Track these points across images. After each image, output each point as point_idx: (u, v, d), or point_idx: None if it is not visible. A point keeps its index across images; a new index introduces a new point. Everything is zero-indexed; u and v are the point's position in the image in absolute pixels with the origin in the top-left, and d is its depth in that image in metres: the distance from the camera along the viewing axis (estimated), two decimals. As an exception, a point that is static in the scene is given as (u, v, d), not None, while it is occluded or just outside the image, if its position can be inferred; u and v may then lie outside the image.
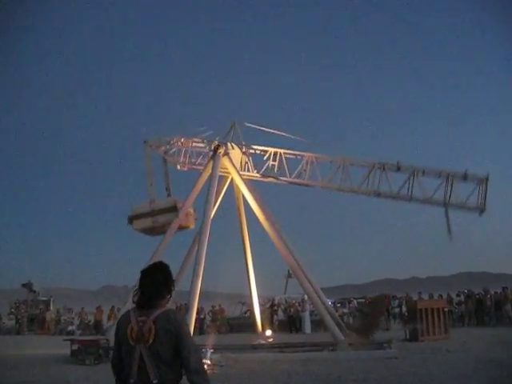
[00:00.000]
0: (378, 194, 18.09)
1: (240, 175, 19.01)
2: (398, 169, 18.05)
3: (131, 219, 19.82)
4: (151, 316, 3.29)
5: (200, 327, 24.54)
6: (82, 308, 33.35)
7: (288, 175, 18.70)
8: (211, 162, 19.07)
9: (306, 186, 19.07)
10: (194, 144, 20.60)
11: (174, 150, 20.70)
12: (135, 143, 21.94)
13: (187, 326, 3.46)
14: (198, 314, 19.53)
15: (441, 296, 25.01)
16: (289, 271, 30.30)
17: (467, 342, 16.50)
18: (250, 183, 19.09)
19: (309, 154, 18.63)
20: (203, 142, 20.26)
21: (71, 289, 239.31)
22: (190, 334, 3.39)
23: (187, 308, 16.98)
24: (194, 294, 16.66)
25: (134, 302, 3.46)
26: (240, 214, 19.92)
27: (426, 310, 17.93)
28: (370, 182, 18.07)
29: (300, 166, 18.74)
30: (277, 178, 18.93)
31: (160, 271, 3.50)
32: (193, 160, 20.48)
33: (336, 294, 46.94)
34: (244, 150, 19.72)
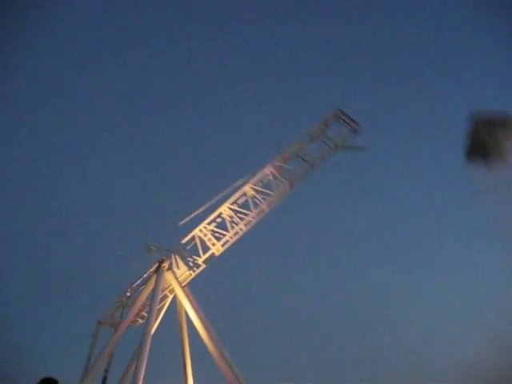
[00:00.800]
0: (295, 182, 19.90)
1: (184, 290, 18.93)
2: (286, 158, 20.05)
3: None
4: None
5: None
6: None
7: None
8: (153, 278, 18.74)
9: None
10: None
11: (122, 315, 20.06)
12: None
13: None
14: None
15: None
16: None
17: None
18: (193, 299, 18.97)
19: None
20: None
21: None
22: None
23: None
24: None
25: None
26: (182, 329, 19.68)
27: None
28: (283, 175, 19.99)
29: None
30: (221, 247, 19.71)
31: None
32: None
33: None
34: (189, 259, 19.62)
